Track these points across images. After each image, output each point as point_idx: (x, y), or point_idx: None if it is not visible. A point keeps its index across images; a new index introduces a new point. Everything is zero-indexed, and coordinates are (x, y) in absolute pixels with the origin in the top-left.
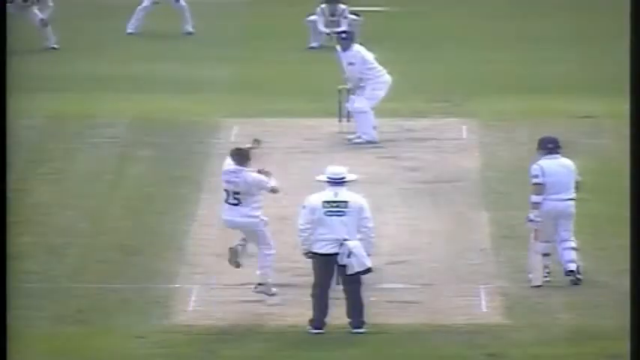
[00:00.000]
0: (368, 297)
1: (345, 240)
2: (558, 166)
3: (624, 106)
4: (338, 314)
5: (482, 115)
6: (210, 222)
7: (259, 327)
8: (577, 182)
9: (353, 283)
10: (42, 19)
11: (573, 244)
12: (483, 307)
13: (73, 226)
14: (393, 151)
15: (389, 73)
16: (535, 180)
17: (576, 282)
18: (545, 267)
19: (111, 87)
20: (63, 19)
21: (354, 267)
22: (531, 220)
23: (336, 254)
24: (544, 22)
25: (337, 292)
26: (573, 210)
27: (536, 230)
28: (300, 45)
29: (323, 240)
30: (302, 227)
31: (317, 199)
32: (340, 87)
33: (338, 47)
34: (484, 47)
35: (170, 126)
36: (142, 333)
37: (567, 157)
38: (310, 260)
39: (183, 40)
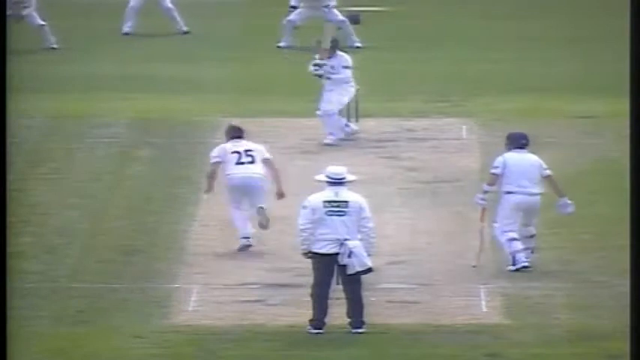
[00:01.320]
0: (368, 297)
1: (346, 240)
2: (522, 160)
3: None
4: (338, 314)
5: (482, 115)
6: (210, 222)
7: (259, 327)
8: (549, 176)
9: (353, 283)
10: (41, 25)
11: (533, 232)
12: (483, 307)
13: (73, 226)
14: (393, 151)
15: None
16: (492, 170)
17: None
18: (518, 251)
19: (111, 87)
20: (63, 18)
21: (355, 267)
22: (480, 201)
23: (337, 254)
24: (544, 22)
25: (337, 292)
26: (538, 206)
27: (483, 210)
28: (301, 45)
29: (324, 240)
30: (302, 227)
31: (318, 198)
32: None
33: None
34: (484, 47)
35: (170, 126)
36: (142, 333)
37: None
38: (310, 260)
39: (184, 40)
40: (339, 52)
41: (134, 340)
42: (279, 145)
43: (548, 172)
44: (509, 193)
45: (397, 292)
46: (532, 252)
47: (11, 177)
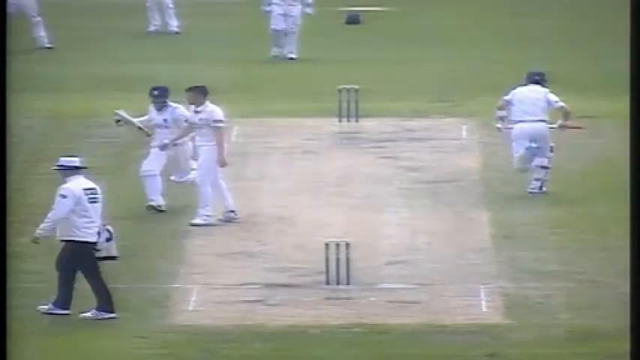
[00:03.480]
0: (368, 297)
1: (104, 225)
2: (529, 92)
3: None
4: (338, 314)
5: (482, 115)
6: (210, 222)
7: (259, 327)
8: (562, 107)
9: (96, 269)
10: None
11: (544, 163)
12: (483, 307)
13: None
14: (393, 151)
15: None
16: (504, 97)
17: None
18: (538, 179)
19: (110, 87)
20: (62, 18)
21: (111, 251)
22: (499, 128)
23: (96, 242)
24: (544, 22)
25: (337, 291)
26: (547, 131)
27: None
28: (301, 45)
29: (88, 227)
30: (61, 216)
31: (77, 187)
32: (340, 87)
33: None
34: (484, 47)
35: None
36: (142, 333)
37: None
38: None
39: (184, 40)
40: (173, 105)
41: (134, 340)
42: (279, 145)
43: (559, 104)
44: (515, 123)
45: (397, 292)
46: (542, 186)
47: (11, 177)
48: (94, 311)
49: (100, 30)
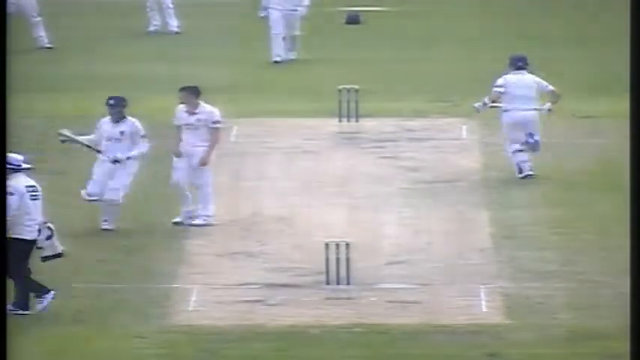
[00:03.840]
0: (368, 297)
1: (44, 223)
2: (519, 81)
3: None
4: (338, 314)
5: (482, 115)
6: (210, 222)
7: (259, 327)
8: (552, 92)
9: (25, 267)
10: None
11: (536, 139)
12: (483, 307)
13: (73, 226)
14: (393, 151)
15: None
16: (496, 89)
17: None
18: (524, 162)
19: (110, 87)
20: (62, 18)
21: (56, 249)
22: (477, 107)
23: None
24: (544, 22)
25: (337, 291)
26: (537, 118)
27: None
28: (301, 45)
29: (28, 225)
30: (11, 214)
31: (20, 184)
32: (340, 87)
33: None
34: (484, 47)
35: (170, 126)
36: (142, 333)
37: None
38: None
39: (184, 40)
40: (131, 119)
41: (134, 340)
42: (279, 145)
43: (550, 87)
44: (506, 111)
45: (397, 292)
46: (530, 167)
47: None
48: (9, 306)
49: (100, 30)
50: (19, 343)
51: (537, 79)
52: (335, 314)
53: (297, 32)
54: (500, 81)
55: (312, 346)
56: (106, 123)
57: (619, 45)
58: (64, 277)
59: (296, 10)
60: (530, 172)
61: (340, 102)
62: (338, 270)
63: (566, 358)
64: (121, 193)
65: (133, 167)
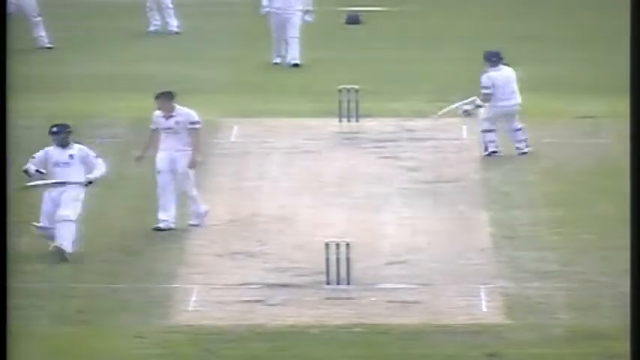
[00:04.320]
0: (368, 297)
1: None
2: (501, 77)
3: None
4: (338, 314)
5: (482, 115)
6: (211, 222)
7: (259, 327)
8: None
9: None
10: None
11: (517, 126)
12: (483, 307)
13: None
14: (393, 151)
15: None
16: (485, 91)
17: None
18: (491, 141)
19: (110, 87)
20: (62, 18)
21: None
22: (463, 107)
23: None
24: (544, 22)
25: (337, 291)
26: (517, 110)
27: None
28: (301, 45)
29: None
30: None
31: None
32: (340, 87)
33: None
34: (484, 47)
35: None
36: (142, 333)
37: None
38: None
39: (183, 40)
40: (78, 145)
41: (134, 340)
42: (279, 145)
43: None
44: (494, 106)
45: (397, 292)
46: (527, 144)
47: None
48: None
49: (100, 30)
50: (19, 343)
51: (511, 69)
52: (335, 314)
53: (297, 36)
54: (485, 81)
55: (312, 346)
56: (52, 150)
57: (619, 45)
58: (64, 277)
59: (296, 14)
60: (495, 150)
61: (340, 102)
62: (338, 270)
63: (566, 358)
64: (73, 218)
65: (80, 193)
